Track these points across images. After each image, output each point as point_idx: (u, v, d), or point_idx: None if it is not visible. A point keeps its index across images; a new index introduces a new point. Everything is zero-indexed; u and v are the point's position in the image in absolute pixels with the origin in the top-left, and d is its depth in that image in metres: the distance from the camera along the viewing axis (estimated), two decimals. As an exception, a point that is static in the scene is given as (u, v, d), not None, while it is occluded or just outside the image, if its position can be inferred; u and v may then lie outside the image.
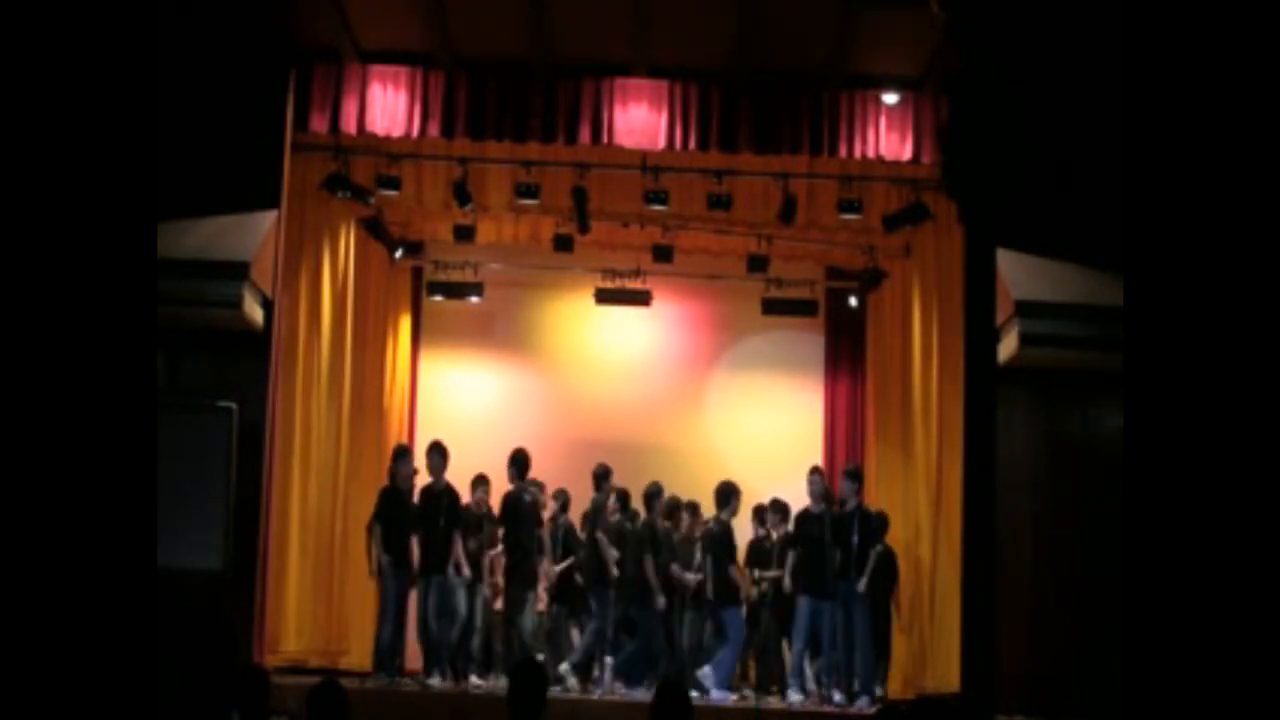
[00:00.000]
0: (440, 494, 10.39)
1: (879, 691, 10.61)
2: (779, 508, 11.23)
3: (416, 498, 10.43)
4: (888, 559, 10.92)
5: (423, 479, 10.65)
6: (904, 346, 12.59)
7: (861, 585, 10.37)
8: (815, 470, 11.09)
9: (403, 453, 10.68)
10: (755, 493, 11.56)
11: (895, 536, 11.40)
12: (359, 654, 11.33)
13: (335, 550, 11.67)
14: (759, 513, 11.41)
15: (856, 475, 10.94)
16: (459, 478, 10.72)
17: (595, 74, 10.78)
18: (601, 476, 10.90)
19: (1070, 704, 9.54)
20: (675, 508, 10.85)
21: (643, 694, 9.90)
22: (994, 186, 7.21)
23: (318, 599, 11.44)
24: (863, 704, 10.16)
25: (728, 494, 10.69)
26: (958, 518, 8.99)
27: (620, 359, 13.79)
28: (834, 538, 10.42)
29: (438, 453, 10.50)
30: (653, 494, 10.65)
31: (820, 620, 10.44)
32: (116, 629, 3.31)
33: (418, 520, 10.30)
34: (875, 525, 10.71)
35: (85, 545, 3.32)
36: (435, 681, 10.09)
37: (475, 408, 13.56)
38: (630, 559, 10.45)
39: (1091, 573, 9.73)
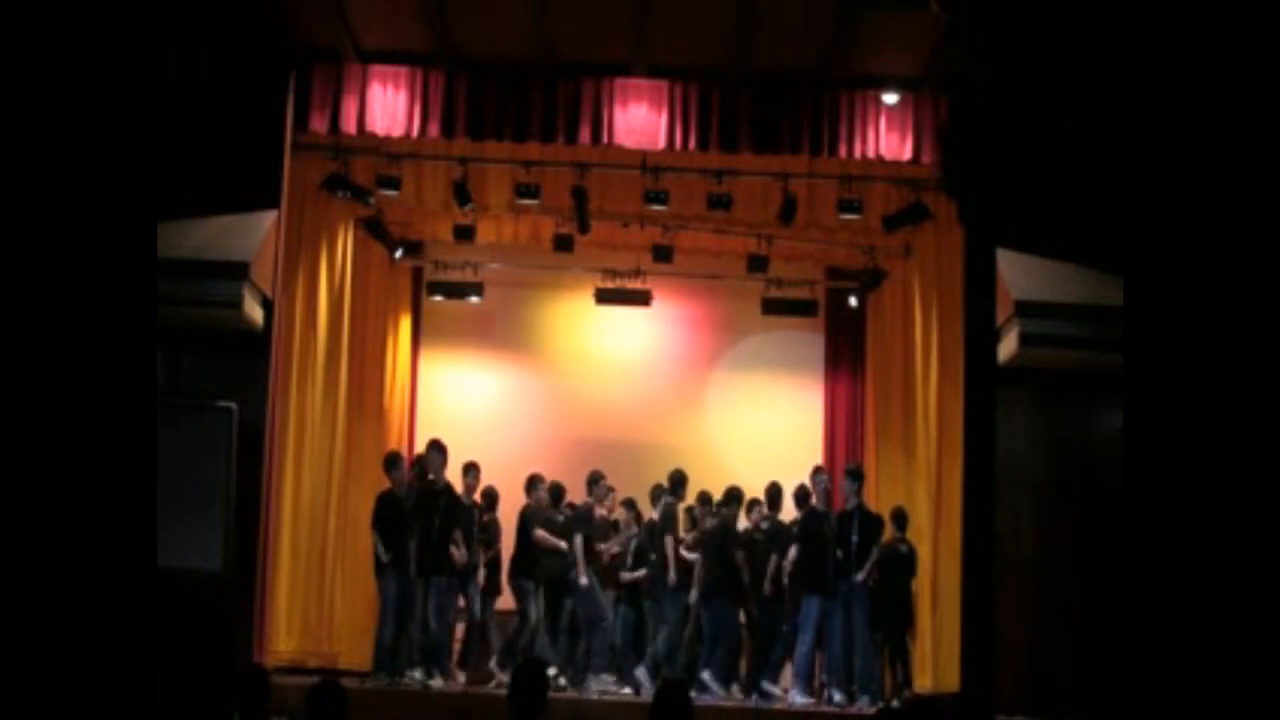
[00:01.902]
0: (439, 493, 10.37)
1: (906, 692, 10.66)
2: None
3: (415, 497, 10.41)
4: (909, 556, 11.06)
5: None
6: (904, 346, 12.59)
7: (861, 576, 10.40)
8: (819, 470, 11.09)
9: (395, 460, 10.66)
10: (755, 493, 11.53)
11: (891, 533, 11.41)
12: (354, 654, 11.33)
13: (330, 551, 11.65)
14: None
15: (858, 474, 10.93)
16: (458, 478, 10.71)
17: (595, 74, 10.78)
18: (678, 483, 10.88)
19: (1070, 704, 9.55)
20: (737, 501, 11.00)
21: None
22: (994, 186, 7.21)
23: (309, 599, 11.43)
24: (863, 704, 10.16)
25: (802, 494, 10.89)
26: (958, 518, 8.99)
27: (620, 359, 13.79)
28: (835, 537, 10.42)
29: (436, 450, 10.49)
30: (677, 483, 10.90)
31: (829, 621, 10.42)
32: (116, 629, 3.31)
33: (415, 520, 10.28)
34: (876, 525, 10.72)
35: (85, 545, 3.32)
36: (436, 682, 10.09)
37: (475, 408, 13.56)
38: (711, 559, 10.56)
39: (1091, 573, 9.73)
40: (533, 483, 11.09)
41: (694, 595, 10.54)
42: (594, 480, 11.09)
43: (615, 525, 11.25)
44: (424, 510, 10.27)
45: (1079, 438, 10.36)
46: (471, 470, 10.90)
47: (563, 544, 10.73)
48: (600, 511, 11.09)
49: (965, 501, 7.08)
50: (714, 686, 10.29)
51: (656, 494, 10.99)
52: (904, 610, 11.00)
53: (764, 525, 10.97)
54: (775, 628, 10.71)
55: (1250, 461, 3.45)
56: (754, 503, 11.17)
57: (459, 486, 10.65)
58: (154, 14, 3.62)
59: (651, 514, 10.98)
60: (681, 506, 11.02)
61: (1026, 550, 10.10)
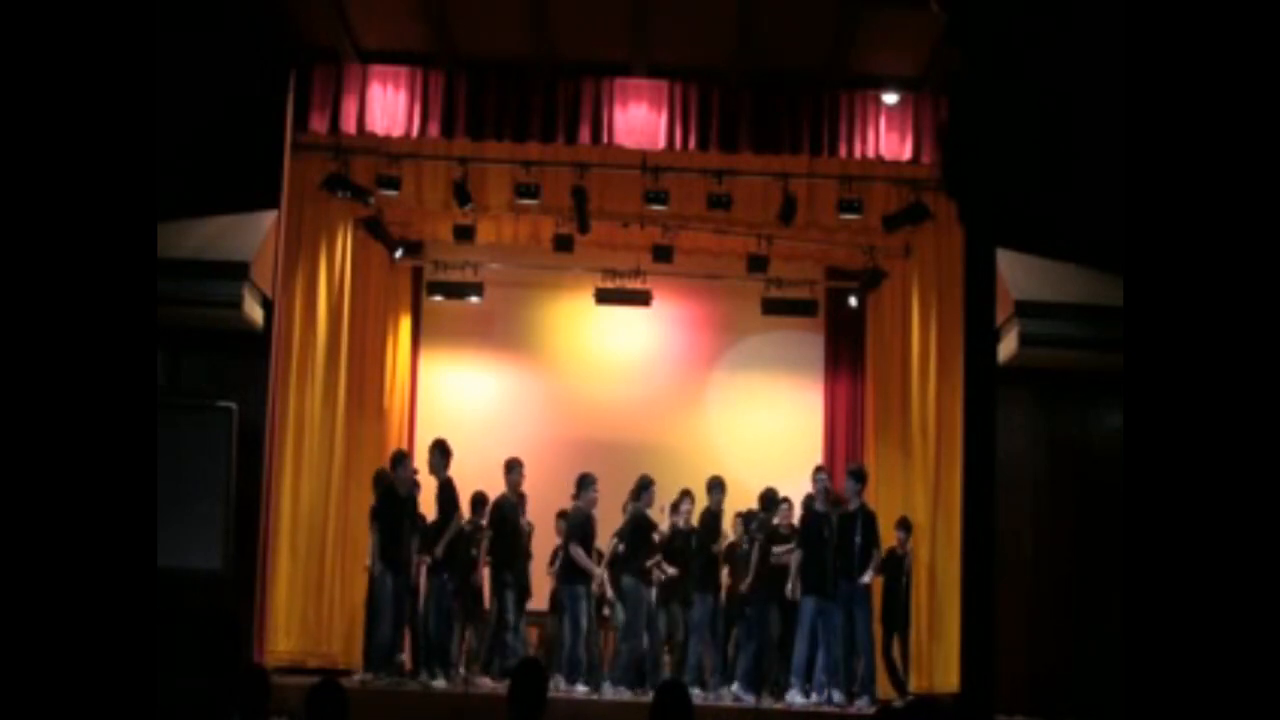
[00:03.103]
0: (438, 492, 10.36)
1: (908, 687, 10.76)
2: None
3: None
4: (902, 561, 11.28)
5: (425, 479, 10.66)
6: (904, 346, 12.58)
7: (867, 578, 10.41)
8: (820, 470, 11.05)
9: (401, 457, 10.65)
10: (755, 493, 11.51)
11: (896, 537, 11.43)
12: (354, 654, 11.33)
13: (330, 551, 11.65)
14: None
15: (861, 475, 10.87)
16: (458, 478, 10.66)
17: (595, 74, 10.78)
18: (714, 487, 10.90)
19: (1070, 704, 9.54)
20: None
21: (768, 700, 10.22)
22: (994, 186, 7.19)
23: (309, 599, 11.43)
24: (863, 704, 10.15)
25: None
26: (957, 518, 8.99)
27: (620, 359, 13.80)
28: (837, 538, 10.39)
29: (439, 451, 10.46)
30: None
31: (828, 621, 10.41)
32: (116, 629, 3.31)
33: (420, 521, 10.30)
34: (877, 527, 10.74)
35: (85, 545, 3.32)
36: (439, 683, 10.08)
37: (475, 408, 13.57)
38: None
39: (1091, 573, 9.73)
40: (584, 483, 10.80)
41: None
42: (644, 486, 10.82)
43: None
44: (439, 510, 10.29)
45: (1079, 438, 10.35)
46: (516, 467, 10.79)
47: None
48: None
49: (965, 501, 7.06)
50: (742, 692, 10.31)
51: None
52: (908, 611, 11.25)
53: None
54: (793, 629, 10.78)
55: (1250, 461, 3.45)
56: (771, 504, 11.10)
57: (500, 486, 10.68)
58: (154, 14, 3.62)
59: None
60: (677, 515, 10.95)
61: (1026, 550, 10.09)
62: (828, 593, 10.33)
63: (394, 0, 10.38)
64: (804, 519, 10.71)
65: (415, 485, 10.67)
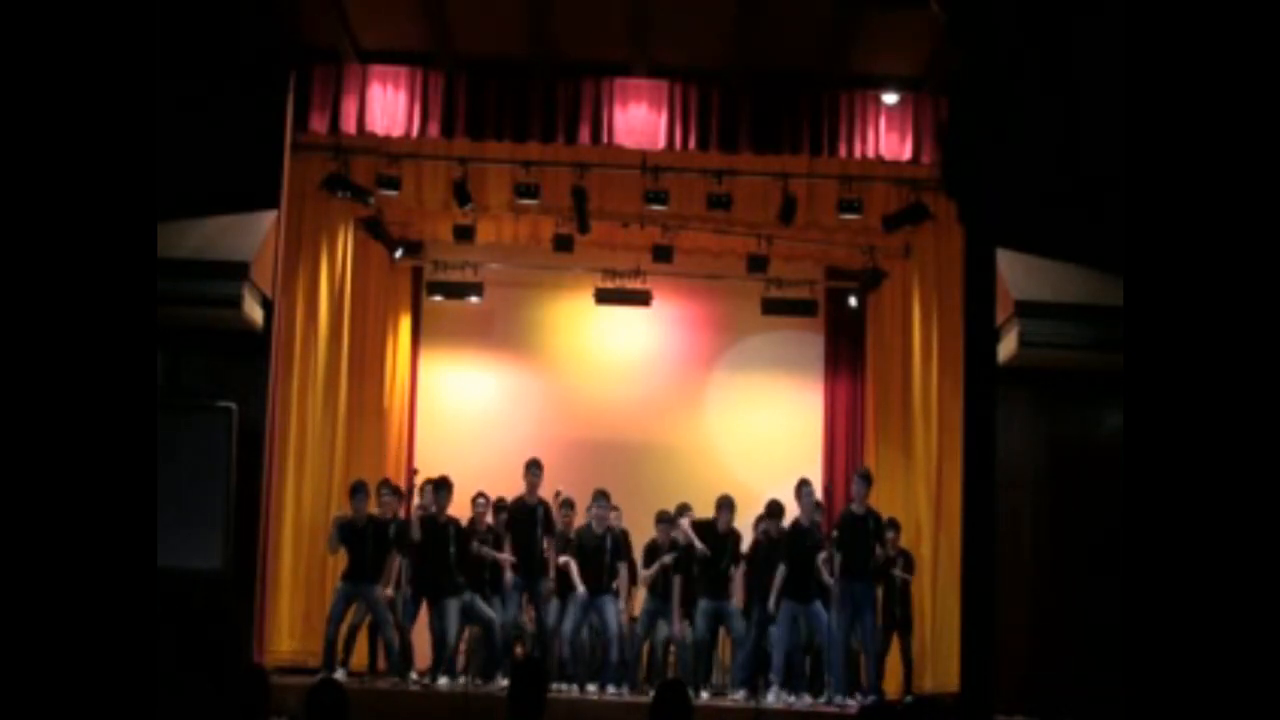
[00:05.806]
0: (446, 526, 10.26)
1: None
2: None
3: (416, 528, 10.27)
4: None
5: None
6: (904, 346, 12.59)
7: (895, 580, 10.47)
8: (806, 483, 10.80)
9: (360, 488, 10.47)
10: (755, 493, 11.52)
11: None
12: (359, 654, 11.32)
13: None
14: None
15: (869, 478, 10.77)
16: (457, 478, 10.60)
17: (595, 74, 10.79)
18: (723, 506, 10.77)
19: (1070, 704, 9.54)
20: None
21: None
22: (994, 186, 7.20)
23: (309, 599, 11.43)
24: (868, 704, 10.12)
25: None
26: (958, 518, 8.98)
27: (620, 359, 13.80)
28: (851, 540, 10.29)
29: (444, 488, 10.34)
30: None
31: (813, 622, 10.39)
32: (116, 629, 3.31)
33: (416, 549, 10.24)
34: (884, 528, 10.72)
35: (85, 545, 3.32)
36: (443, 682, 10.07)
37: (475, 408, 13.57)
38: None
39: (1091, 573, 9.72)
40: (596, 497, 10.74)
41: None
42: (683, 512, 10.78)
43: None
44: (434, 541, 10.18)
45: (1079, 438, 10.33)
46: (535, 468, 10.65)
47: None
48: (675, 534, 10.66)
49: (965, 501, 7.07)
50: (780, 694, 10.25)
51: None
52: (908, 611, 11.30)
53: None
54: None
55: (1250, 461, 3.45)
56: (778, 514, 10.99)
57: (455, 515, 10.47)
58: (154, 14, 3.62)
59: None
60: (686, 522, 10.86)
61: (1026, 550, 10.08)
62: (806, 598, 10.27)
63: (394, 0, 10.38)
64: (790, 534, 10.49)
65: (366, 516, 10.35)
